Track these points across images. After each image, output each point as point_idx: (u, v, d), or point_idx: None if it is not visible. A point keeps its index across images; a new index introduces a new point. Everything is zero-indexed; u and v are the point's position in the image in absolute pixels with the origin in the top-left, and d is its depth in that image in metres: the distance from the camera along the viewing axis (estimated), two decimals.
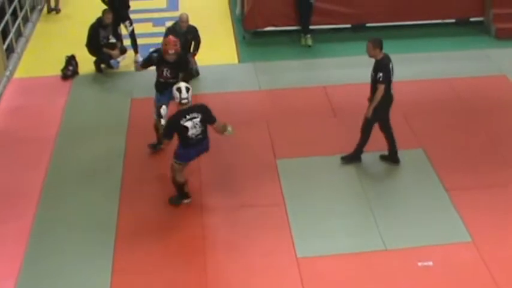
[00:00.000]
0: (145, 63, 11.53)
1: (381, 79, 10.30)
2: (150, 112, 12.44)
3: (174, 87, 9.72)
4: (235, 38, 15.38)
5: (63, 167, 11.19)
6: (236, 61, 14.52)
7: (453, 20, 15.95)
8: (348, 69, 13.90)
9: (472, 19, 15.97)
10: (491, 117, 12.41)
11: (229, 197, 10.45)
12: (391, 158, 11.03)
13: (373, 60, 10.49)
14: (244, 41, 15.32)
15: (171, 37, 11.15)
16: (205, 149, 10.10)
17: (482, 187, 10.61)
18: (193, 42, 13.45)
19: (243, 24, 15.47)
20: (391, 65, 10.40)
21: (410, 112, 12.28)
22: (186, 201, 10.32)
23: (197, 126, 9.68)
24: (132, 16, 14.47)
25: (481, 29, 15.81)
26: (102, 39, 13.61)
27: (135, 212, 10.15)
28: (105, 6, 13.86)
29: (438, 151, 11.39)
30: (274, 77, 13.72)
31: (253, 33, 15.42)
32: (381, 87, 10.33)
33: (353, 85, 13.24)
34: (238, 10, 16.26)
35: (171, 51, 10.92)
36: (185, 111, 9.63)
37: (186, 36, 13.32)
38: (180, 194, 10.29)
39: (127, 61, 14.29)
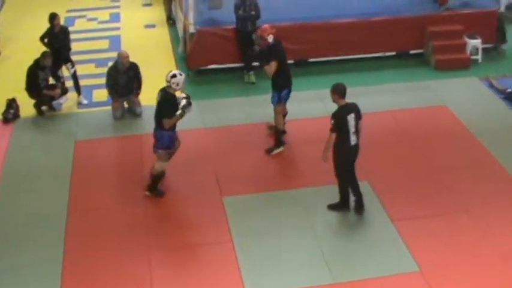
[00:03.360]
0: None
1: (330, 126, 10.13)
2: (96, 154, 12.36)
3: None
4: None
5: (5, 213, 10.96)
6: None
7: (394, 53, 16.21)
8: (291, 105, 13.94)
9: (412, 51, 16.25)
10: (435, 147, 12.59)
11: (176, 236, 10.37)
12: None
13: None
14: (188, 79, 15.24)
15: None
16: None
17: (427, 216, 10.72)
18: (135, 80, 13.48)
19: (186, 62, 15.45)
20: (350, 116, 10.06)
21: None
22: None
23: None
24: (74, 57, 14.39)
25: (421, 61, 16.07)
26: (42, 82, 13.46)
27: (81, 254, 9.98)
28: (46, 48, 13.75)
29: (383, 183, 11.49)
30: (219, 115, 13.72)
31: (196, 72, 15.41)
32: (331, 136, 10.12)
33: (297, 120, 13.33)
34: (180, 49, 16.27)
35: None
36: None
37: (127, 73, 13.34)
38: None
39: (69, 103, 14.15)
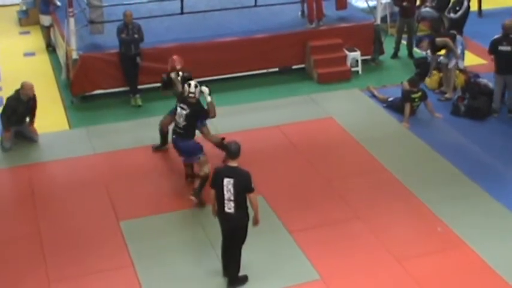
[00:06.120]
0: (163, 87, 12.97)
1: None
2: None
3: (186, 83, 11.39)
4: (64, 104, 15.08)
5: None
6: (67, 127, 14.20)
7: (276, 69, 16.50)
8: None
9: (294, 66, 16.59)
10: (324, 158, 12.91)
11: (76, 264, 10.15)
12: None
13: None
14: (73, 106, 15.02)
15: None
16: (180, 148, 11.53)
17: (323, 225, 10.98)
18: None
19: (70, 89, 15.19)
20: (227, 180, 9.14)
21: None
22: None
23: (181, 117, 11.26)
24: None
25: (304, 75, 16.41)
26: None
27: None
28: None
29: (278, 197, 11.66)
30: (108, 140, 13.54)
31: (81, 98, 15.16)
32: (210, 191, 9.56)
33: None
34: (63, 76, 15.97)
35: (179, 67, 12.59)
36: (185, 99, 11.33)
37: (28, 103, 13.13)
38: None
39: None
